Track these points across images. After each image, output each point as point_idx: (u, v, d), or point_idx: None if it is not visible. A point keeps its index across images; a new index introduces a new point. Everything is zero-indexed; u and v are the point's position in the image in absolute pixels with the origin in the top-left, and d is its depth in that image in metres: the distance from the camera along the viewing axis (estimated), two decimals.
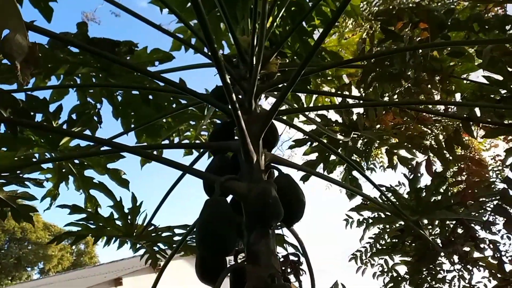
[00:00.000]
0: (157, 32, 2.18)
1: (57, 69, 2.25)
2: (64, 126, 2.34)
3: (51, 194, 2.69)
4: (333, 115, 3.89)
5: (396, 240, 2.51)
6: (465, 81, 2.12)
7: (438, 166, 2.76)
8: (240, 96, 1.67)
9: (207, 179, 1.37)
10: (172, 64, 2.36)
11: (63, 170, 2.53)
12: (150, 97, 2.47)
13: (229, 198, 1.41)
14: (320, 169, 2.85)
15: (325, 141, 2.65)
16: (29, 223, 2.25)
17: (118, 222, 2.16)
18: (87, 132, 2.47)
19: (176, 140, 3.12)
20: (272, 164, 1.42)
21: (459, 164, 2.25)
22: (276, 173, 1.42)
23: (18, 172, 2.01)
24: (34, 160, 2.23)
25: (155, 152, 2.60)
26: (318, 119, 2.70)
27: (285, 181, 1.36)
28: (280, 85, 1.73)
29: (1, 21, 0.85)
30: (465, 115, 1.97)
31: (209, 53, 2.10)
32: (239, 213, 1.27)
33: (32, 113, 2.08)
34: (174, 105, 2.54)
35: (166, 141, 2.96)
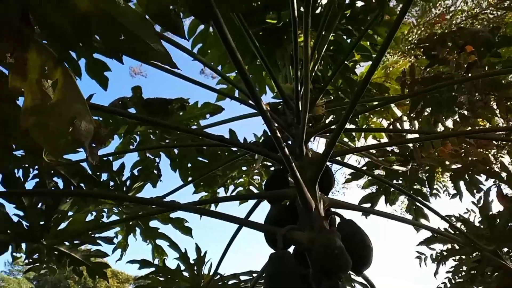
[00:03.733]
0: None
1: (117, 130, 2.43)
2: (128, 182, 2.49)
3: (121, 246, 2.83)
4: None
5: (475, 272, 2.34)
6: None
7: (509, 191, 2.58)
8: (289, 142, 1.70)
9: (267, 231, 1.38)
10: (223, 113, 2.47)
11: (130, 223, 2.67)
12: (205, 148, 2.58)
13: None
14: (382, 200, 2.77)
15: (382, 172, 2.59)
16: (103, 279, 2.37)
17: (185, 274, 2.21)
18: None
19: (231, 187, 3.19)
20: (331, 209, 1.41)
21: None
22: (337, 218, 1.40)
23: (90, 232, 2.15)
24: (103, 222, 2.36)
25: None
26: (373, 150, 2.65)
27: (349, 228, 1.33)
28: (330, 127, 1.74)
29: (66, 109, 0.95)
30: None
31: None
32: (304, 264, 1.26)
33: (98, 173, 2.25)
34: (226, 153, 2.63)
35: (221, 189, 3.06)
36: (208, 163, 2.57)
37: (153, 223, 2.66)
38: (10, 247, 2.14)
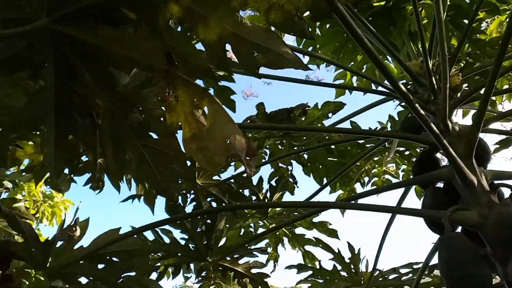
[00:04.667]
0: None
1: None
2: (268, 194, 2.61)
3: (273, 257, 2.96)
4: None
5: None
6: None
7: None
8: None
9: (430, 216, 1.31)
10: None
11: (278, 233, 2.78)
12: (332, 146, 2.58)
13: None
14: None
15: None
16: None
17: (343, 273, 2.21)
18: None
19: (365, 180, 3.12)
20: (496, 182, 1.27)
21: None
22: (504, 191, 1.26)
23: (246, 245, 2.29)
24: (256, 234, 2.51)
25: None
26: None
27: None
28: (471, 96, 1.59)
29: (220, 131, 1.05)
30: None
31: (380, 89, 2.12)
32: (478, 244, 1.16)
33: (240, 190, 2.41)
34: (355, 148, 2.59)
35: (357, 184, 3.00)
36: (340, 161, 2.55)
37: (299, 231, 2.73)
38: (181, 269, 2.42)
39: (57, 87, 1.08)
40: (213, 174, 2.00)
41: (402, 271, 2.20)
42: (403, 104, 1.79)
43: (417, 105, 1.07)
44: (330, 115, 2.47)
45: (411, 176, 3.02)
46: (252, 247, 2.35)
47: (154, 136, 1.19)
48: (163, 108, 1.16)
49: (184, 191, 2.01)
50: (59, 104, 1.11)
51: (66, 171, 1.40)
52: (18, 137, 1.50)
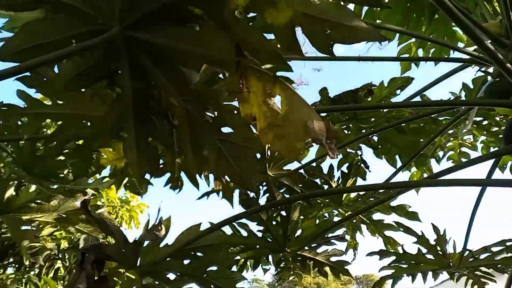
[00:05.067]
0: None
1: None
2: (340, 181, 2.55)
3: (352, 245, 2.90)
4: None
5: None
6: None
7: None
8: None
9: None
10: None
11: (354, 221, 2.71)
12: (404, 125, 2.45)
13: None
14: None
15: None
16: (347, 276, 2.46)
17: (429, 256, 2.10)
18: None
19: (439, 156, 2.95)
20: None
21: None
22: None
23: (323, 234, 2.26)
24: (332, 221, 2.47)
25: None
26: None
27: None
28: None
29: (296, 116, 1.02)
30: None
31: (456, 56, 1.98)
32: None
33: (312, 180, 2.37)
34: (428, 124, 2.44)
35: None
36: (413, 139, 2.42)
37: (376, 216, 2.64)
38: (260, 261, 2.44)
39: (133, 93, 1.12)
40: (284, 164, 1.99)
41: (494, 249, 2.04)
42: (483, 69, 1.64)
43: (508, 64, 0.98)
44: (398, 92, 2.35)
45: (492, 148, 2.82)
46: (330, 235, 2.32)
47: (230, 130, 1.19)
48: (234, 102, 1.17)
49: (256, 184, 2.01)
50: (137, 109, 1.15)
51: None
52: (100, 145, 1.59)
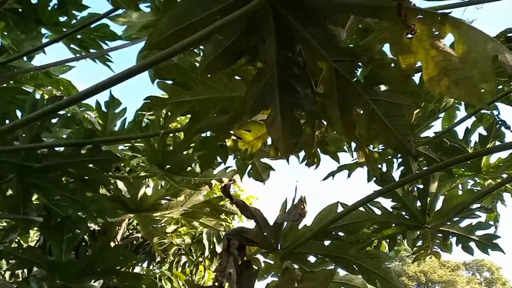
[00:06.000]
0: None
1: None
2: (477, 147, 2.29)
3: (492, 217, 2.60)
4: None
5: None
6: None
7: None
8: None
9: None
10: None
11: (495, 191, 2.42)
12: None
13: None
14: None
15: None
16: (496, 250, 2.20)
17: None
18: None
19: None
20: None
21: None
22: None
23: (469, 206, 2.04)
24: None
25: None
26: None
27: None
28: None
29: (480, 53, 0.88)
30: None
31: None
32: None
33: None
34: None
35: None
36: None
37: None
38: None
39: (278, 63, 1.07)
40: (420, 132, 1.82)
41: None
42: None
43: None
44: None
45: None
46: (474, 206, 2.08)
47: (384, 88, 1.10)
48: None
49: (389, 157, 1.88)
50: (282, 81, 1.11)
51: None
52: (234, 131, 1.60)
